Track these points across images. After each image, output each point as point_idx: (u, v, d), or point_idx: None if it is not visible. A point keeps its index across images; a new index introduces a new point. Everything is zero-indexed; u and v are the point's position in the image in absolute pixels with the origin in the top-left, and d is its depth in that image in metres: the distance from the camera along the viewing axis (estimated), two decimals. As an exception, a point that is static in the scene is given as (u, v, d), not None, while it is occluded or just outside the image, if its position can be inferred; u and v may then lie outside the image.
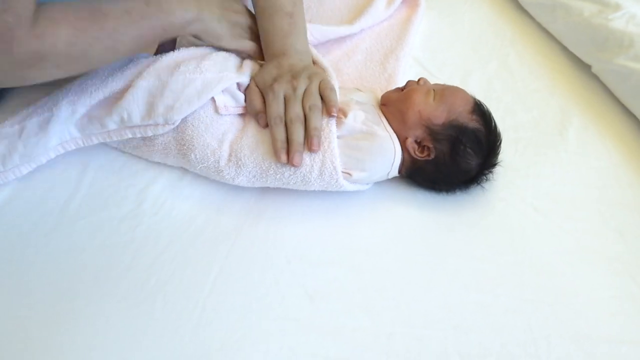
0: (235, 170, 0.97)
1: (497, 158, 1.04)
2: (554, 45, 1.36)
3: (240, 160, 0.96)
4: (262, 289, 0.91)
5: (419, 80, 1.07)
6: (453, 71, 1.29)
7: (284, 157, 0.93)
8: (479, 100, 1.05)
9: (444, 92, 1.03)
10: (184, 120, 0.98)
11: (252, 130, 0.98)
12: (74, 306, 0.88)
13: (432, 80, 1.24)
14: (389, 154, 0.99)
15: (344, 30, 1.28)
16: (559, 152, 1.14)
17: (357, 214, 1.00)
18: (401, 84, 1.22)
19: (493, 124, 1.03)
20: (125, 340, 0.84)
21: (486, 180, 1.05)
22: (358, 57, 1.27)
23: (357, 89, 1.12)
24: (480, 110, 1.02)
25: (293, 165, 0.93)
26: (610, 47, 1.21)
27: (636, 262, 0.98)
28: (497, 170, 1.04)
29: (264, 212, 0.99)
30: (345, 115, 0.98)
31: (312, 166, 0.95)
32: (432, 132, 0.99)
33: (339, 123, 0.97)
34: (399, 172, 1.02)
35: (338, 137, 0.96)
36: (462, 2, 1.47)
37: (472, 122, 1.00)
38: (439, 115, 1.00)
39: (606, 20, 1.24)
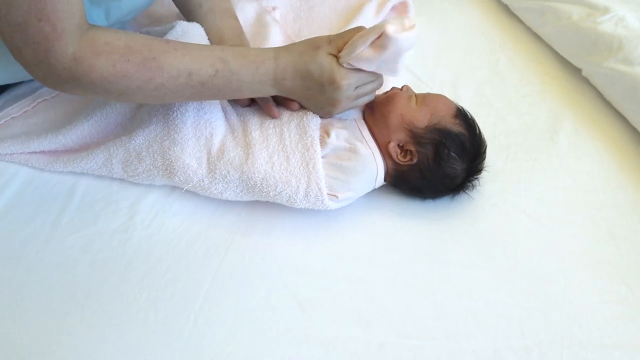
0: (223, 186, 0.97)
1: (482, 163, 1.04)
2: (544, 49, 1.36)
3: (226, 177, 0.96)
4: (254, 301, 0.91)
5: (402, 87, 1.07)
6: (443, 77, 1.29)
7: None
8: (461, 107, 1.05)
9: (426, 96, 1.04)
10: (160, 144, 0.98)
11: (231, 145, 0.98)
12: (67, 322, 0.87)
13: (422, 88, 1.25)
14: (371, 171, 0.98)
15: None
16: (550, 156, 1.14)
17: (347, 223, 1.00)
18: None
19: (477, 129, 1.03)
20: (118, 355, 0.84)
21: (472, 187, 1.05)
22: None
23: None
24: (463, 115, 1.03)
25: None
26: (600, 50, 1.22)
27: (628, 265, 0.98)
28: (489, 176, 1.04)
29: (255, 224, 0.99)
30: (328, 134, 0.98)
31: (298, 187, 0.95)
32: (415, 136, 0.99)
33: (322, 143, 0.97)
34: (385, 180, 1.02)
35: (322, 158, 0.97)
36: (452, 9, 1.47)
37: (456, 126, 1.00)
38: (421, 118, 1.00)
39: (595, 23, 1.24)
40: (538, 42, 1.38)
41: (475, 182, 1.05)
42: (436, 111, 1.00)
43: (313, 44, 0.93)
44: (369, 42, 0.88)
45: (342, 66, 0.91)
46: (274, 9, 1.34)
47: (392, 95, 1.04)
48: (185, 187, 0.99)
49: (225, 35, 1.09)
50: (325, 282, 0.94)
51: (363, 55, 0.90)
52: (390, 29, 0.86)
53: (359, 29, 0.92)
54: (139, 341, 0.86)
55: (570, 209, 1.06)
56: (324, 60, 0.90)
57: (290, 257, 0.96)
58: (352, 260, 0.97)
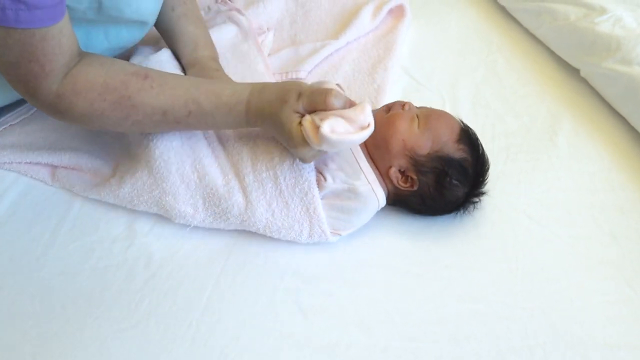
0: (225, 225, 0.97)
1: (484, 186, 1.02)
2: (541, 50, 1.36)
3: (227, 220, 0.96)
4: (256, 307, 0.90)
5: (404, 105, 1.01)
6: (441, 79, 1.29)
7: None
8: (465, 125, 1.02)
9: (428, 118, 0.99)
10: (150, 194, 0.97)
11: (226, 192, 0.95)
12: (67, 330, 0.87)
13: (420, 90, 1.25)
14: (373, 207, 0.97)
15: (329, 48, 1.28)
16: (550, 157, 1.14)
17: (349, 228, 1.00)
18: (390, 94, 1.23)
19: (480, 150, 1.01)
20: (120, 363, 0.84)
21: (473, 208, 1.03)
22: (346, 69, 1.28)
23: None
24: (466, 138, 0.99)
25: None
26: (598, 50, 1.22)
27: (630, 265, 0.98)
28: (489, 177, 1.03)
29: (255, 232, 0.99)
30: (325, 177, 0.94)
31: (301, 231, 0.94)
32: (416, 163, 0.96)
33: (319, 184, 0.94)
34: (386, 202, 1.00)
35: (322, 199, 0.95)
36: (449, 10, 1.47)
37: (458, 152, 0.97)
38: (423, 145, 0.96)
39: (592, 24, 1.24)
40: (535, 43, 1.38)
41: (477, 204, 1.03)
42: (439, 136, 0.97)
43: (282, 96, 0.87)
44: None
45: (301, 129, 0.84)
46: (268, 29, 1.33)
47: (394, 118, 0.99)
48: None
49: (200, 43, 1.09)
50: (326, 288, 0.93)
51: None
52: (326, 129, 0.80)
53: (329, 91, 0.84)
54: (140, 348, 0.85)
55: (571, 209, 1.06)
56: (287, 119, 0.86)
57: (291, 263, 0.96)
58: (353, 264, 0.97)
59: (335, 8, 1.40)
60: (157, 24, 1.10)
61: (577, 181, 1.11)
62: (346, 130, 0.82)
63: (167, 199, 0.96)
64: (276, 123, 0.87)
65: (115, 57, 0.97)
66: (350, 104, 0.85)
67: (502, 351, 0.87)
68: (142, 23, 1.00)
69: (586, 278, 0.96)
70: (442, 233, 1.01)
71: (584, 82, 1.27)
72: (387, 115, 1.00)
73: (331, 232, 0.95)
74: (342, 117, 0.82)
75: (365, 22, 1.34)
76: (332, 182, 0.94)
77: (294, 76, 1.24)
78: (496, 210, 1.05)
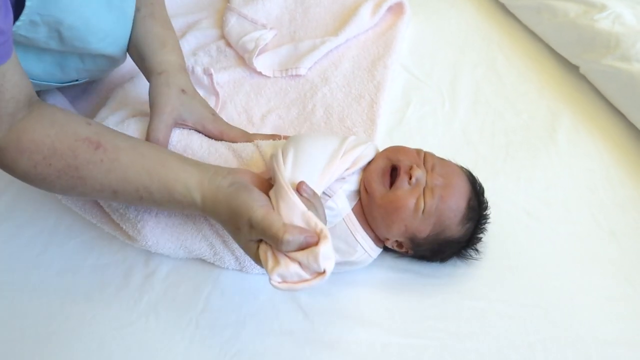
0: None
1: (480, 241, 0.98)
2: (541, 47, 1.36)
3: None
4: (256, 305, 0.90)
5: (410, 176, 0.88)
6: (441, 76, 1.29)
7: None
8: (474, 189, 0.94)
9: (434, 198, 0.88)
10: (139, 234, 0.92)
11: (219, 262, 0.93)
12: (67, 327, 0.87)
13: (420, 87, 1.25)
14: (368, 263, 0.94)
15: (329, 45, 1.28)
16: (550, 154, 1.14)
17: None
18: (389, 92, 1.22)
19: (483, 213, 0.95)
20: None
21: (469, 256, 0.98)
22: (345, 66, 1.27)
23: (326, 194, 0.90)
24: (471, 215, 0.92)
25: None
26: (597, 47, 1.21)
27: (630, 262, 0.98)
28: (488, 174, 1.03)
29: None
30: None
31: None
32: (415, 243, 0.92)
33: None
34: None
35: None
36: (449, 7, 1.46)
37: (459, 232, 0.91)
38: (424, 229, 0.89)
39: (592, 20, 1.24)
40: (535, 40, 1.38)
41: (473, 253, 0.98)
42: (442, 220, 0.89)
43: (234, 222, 0.76)
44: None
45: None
46: (264, 26, 1.33)
47: (398, 202, 0.88)
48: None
49: (168, 45, 0.99)
50: (326, 286, 0.92)
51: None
52: (275, 280, 0.71)
53: (279, 240, 0.70)
54: (140, 345, 0.86)
55: (571, 206, 1.06)
56: (244, 245, 0.77)
57: (291, 260, 0.96)
58: (353, 261, 0.96)
59: (335, 5, 1.39)
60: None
61: (577, 178, 1.11)
62: (299, 277, 0.71)
63: None
64: (235, 237, 0.78)
65: (92, 79, 0.95)
66: (307, 244, 0.71)
67: (502, 348, 0.87)
68: (113, 59, 0.98)
69: (586, 275, 0.97)
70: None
71: (584, 79, 1.27)
72: (390, 194, 0.89)
73: None
74: (296, 260, 0.71)
75: (365, 19, 1.33)
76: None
77: (293, 73, 1.24)
78: (496, 207, 1.03)
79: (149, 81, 0.96)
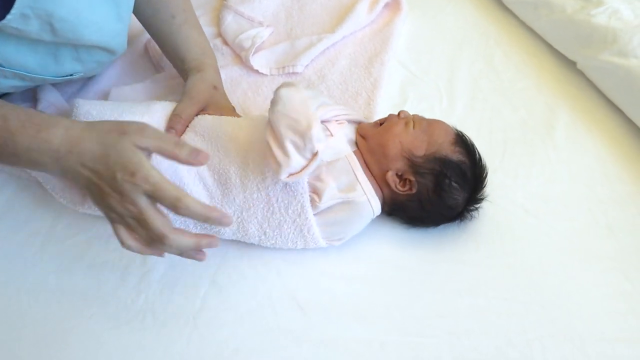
0: (218, 232, 0.95)
1: (483, 192, 1.00)
2: (538, 43, 1.36)
3: (222, 236, 0.95)
4: (254, 302, 0.90)
5: (399, 113, 1.01)
6: (438, 73, 1.28)
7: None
8: (460, 132, 1.01)
9: (423, 121, 0.99)
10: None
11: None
12: (64, 327, 0.87)
13: (417, 83, 1.25)
14: (368, 216, 0.95)
15: (326, 42, 1.28)
16: (547, 150, 1.14)
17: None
18: (386, 88, 1.22)
19: (477, 155, 0.99)
20: (117, 359, 0.84)
21: (471, 217, 1.01)
22: (342, 63, 1.27)
23: (326, 128, 0.96)
24: (462, 142, 0.98)
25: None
26: (595, 43, 1.21)
27: (628, 258, 0.98)
28: (487, 171, 1.03)
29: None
30: (319, 197, 0.90)
31: (296, 246, 0.94)
32: (414, 165, 0.95)
33: (313, 206, 0.91)
34: (382, 210, 0.98)
35: (315, 215, 0.92)
36: (446, 3, 1.46)
37: (456, 154, 0.95)
38: (419, 145, 0.95)
39: (589, 16, 1.23)
40: (532, 36, 1.37)
41: (476, 213, 1.01)
42: (434, 138, 0.96)
43: (119, 129, 0.76)
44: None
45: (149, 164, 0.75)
46: (261, 23, 1.33)
47: (389, 124, 0.99)
48: None
49: (207, 50, 1.12)
50: (324, 282, 0.93)
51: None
52: (282, 174, 0.85)
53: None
54: (137, 344, 0.85)
55: (569, 203, 1.06)
56: (130, 149, 0.75)
57: (288, 258, 0.96)
58: (350, 260, 0.97)
59: (331, 2, 1.39)
60: (156, 33, 1.11)
61: (574, 174, 1.10)
62: (301, 167, 0.87)
63: None
64: (109, 154, 0.75)
65: (88, 74, 1.02)
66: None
67: (500, 346, 0.87)
68: (109, 50, 1.00)
69: (584, 271, 0.96)
70: (440, 227, 1.01)
71: (581, 74, 1.27)
72: (382, 125, 1.00)
73: (326, 244, 0.94)
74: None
75: (362, 15, 1.33)
76: (328, 200, 0.91)
77: (290, 71, 1.24)
78: (493, 204, 1.04)
79: (185, 78, 1.07)
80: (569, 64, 1.29)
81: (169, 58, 1.14)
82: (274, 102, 0.88)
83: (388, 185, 0.95)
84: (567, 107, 1.22)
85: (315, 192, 0.91)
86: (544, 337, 0.88)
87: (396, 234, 1.00)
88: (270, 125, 0.88)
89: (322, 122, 0.95)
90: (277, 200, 0.91)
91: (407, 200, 0.97)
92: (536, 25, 1.36)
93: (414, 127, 0.97)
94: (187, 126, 0.98)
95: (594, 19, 1.22)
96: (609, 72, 1.18)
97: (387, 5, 1.39)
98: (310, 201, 0.91)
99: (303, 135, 0.85)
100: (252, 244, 0.96)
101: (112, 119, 0.92)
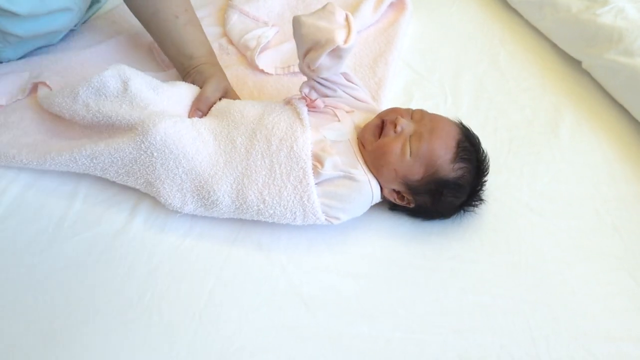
0: (218, 213, 0.97)
1: (482, 194, 1.01)
2: (543, 42, 1.36)
3: (220, 210, 0.96)
4: (259, 299, 0.91)
5: (396, 125, 0.96)
6: (443, 72, 1.29)
7: None
8: (463, 134, 0.98)
9: (421, 140, 0.95)
10: (136, 181, 0.99)
11: (215, 182, 0.94)
12: (71, 322, 0.87)
13: (422, 83, 1.25)
14: (367, 198, 0.96)
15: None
16: (552, 149, 1.14)
17: (351, 220, 0.99)
18: (391, 88, 1.22)
19: (479, 160, 0.98)
20: (123, 356, 0.84)
21: (472, 210, 1.02)
22: (347, 62, 1.27)
23: (334, 114, 1.03)
24: (463, 155, 0.95)
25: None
26: (600, 42, 1.21)
27: (633, 257, 0.98)
28: (491, 170, 1.03)
29: (258, 223, 0.99)
30: (321, 164, 0.93)
31: (295, 218, 0.94)
32: (410, 187, 0.96)
33: (315, 173, 0.93)
34: (382, 198, 1.00)
35: (316, 185, 0.93)
36: (451, 3, 1.46)
37: (454, 172, 0.94)
38: (416, 172, 0.94)
39: (594, 15, 1.24)
40: (537, 36, 1.38)
41: (476, 208, 1.02)
42: (432, 160, 0.94)
43: None
44: (324, 54, 0.90)
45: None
46: (272, 25, 1.33)
47: (384, 147, 0.95)
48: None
49: (209, 50, 1.17)
50: (329, 279, 0.93)
51: (324, 64, 0.93)
52: (340, 39, 0.88)
53: None
54: (144, 341, 0.86)
55: (574, 202, 1.06)
56: None
57: (293, 255, 0.96)
58: (356, 256, 0.97)
59: (336, 1, 1.39)
60: (157, 32, 1.14)
61: (579, 173, 1.10)
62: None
63: (153, 189, 0.97)
64: None
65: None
66: None
67: (505, 344, 0.87)
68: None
69: (589, 270, 0.96)
70: (445, 225, 1.01)
71: (586, 74, 1.27)
72: (377, 142, 0.97)
73: (325, 219, 0.95)
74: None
75: (367, 15, 1.33)
76: (330, 169, 0.93)
77: (296, 70, 1.24)
78: (498, 203, 1.04)
79: (186, 74, 1.13)
80: (574, 63, 1.29)
81: (170, 54, 1.16)
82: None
83: (386, 196, 0.98)
84: (572, 106, 1.22)
85: (318, 160, 0.93)
86: (549, 335, 0.88)
87: (401, 231, 1.00)
88: (300, 34, 0.92)
89: (330, 106, 1.04)
90: (280, 166, 0.94)
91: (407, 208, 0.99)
92: (541, 25, 1.37)
93: (410, 153, 0.94)
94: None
95: (599, 18, 1.23)
96: (614, 72, 1.19)
97: (391, 4, 1.39)
98: (313, 169, 0.93)
99: (327, 14, 0.91)
100: (257, 240, 0.97)
101: (146, 89, 1.02)
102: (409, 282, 0.94)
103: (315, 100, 1.02)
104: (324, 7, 0.93)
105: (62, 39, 1.28)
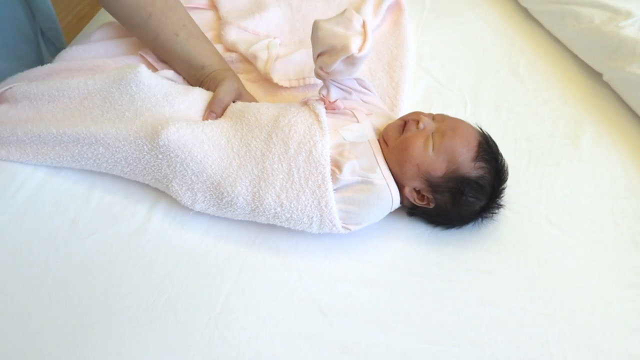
0: (232, 214, 0.97)
1: (501, 199, 1.01)
2: (564, 53, 1.35)
3: (234, 212, 0.96)
4: (275, 305, 0.90)
5: (418, 122, 0.98)
6: (463, 80, 1.28)
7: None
8: (484, 137, 1.00)
9: (444, 137, 0.96)
10: (153, 175, 0.98)
11: (230, 183, 0.94)
12: (84, 323, 0.87)
13: (442, 91, 1.24)
14: (386, 201, 0.95)
15: None
16: (572, 162, 1.13)
17: (369, 228, 0.98)
18: (409, 93, 1.22)
19: (499, 164, 0.99)
20: (137, 357, 0.84)
21: (490, 219, 1.02)
22: (362, 68, 1.25)
23: (353, 115, 1.03)
24: (484, 155, 0.96)
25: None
26: (622, 55, 1.20)
27: (653, 274, 0.97)
28: (510, 181, 1.02)
29: (276, 228, 0.98)
30: (340, 169, 0.93)
31: (311, 224, 0.93)
32: (432, 185, 0.95)
33: (333, 178, 0.92)
34: (401, 203, 0.99)
35: (335, 191, 0.93)
36: (471, 11, 1.46)
37: (475, 171, 0.95)
38: (437, 167, 0.95)
39: (617, 27, 1.22)
40: (558, 46, 1.37)
41: (495, 216, 1.02)
42: (454, 157, 0.94)
43: None
44: (339, 60, 0.92)
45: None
46: (274, 38, 1.29)
47: (407, 142, 0.96)
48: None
49: (219, 57, 1.17)
50: (346, 288, 0.93)
51: (338, 69, 0.94)
52: (355, 47, 0.89)
53: None
54: (158, 344, 0.85)
55: (593, 215, 1.05)
56: None
57: (311, 263, 0.95)
58: (373, 265, 0.96)
59: (331, 11, 1.38)
60: (163, 53, 1.15)
61: (599, 186, 1.09)
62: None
63: (170, 186, 0.97)
64: None
65: None
66: None
67: (522, 357, 0.87)
68: None
69: (608, 285, 0.95)
70: (463, 236, 1.00)
71: (607, 86, 1.26)
72: (400, 137, 0.98)
73: (342, 226, 0.94)
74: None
75: (368, 20, 1.32)
76: (349, 175, 0.93)
77: (312, 82, 1.21)
78: (517, 214, 1.03)
79: (198, 82, 1.13)
80: (595, 75, 1.28)
81: (179, 68, 1.16)
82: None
83: (406, 197, 0.98)
84: (593, 118, 1.21)
85: (337, 165, 0.93)
86: (567, 350, 0.87)
87: (419, 241, 1.00)
88: (316, 36, 0.94)
89: (349, 108, 1.04)
90: (298, 170, 0.93)
91: (425, 208, 0.98)
92: (562, 35, 1.36)
93: (433, 147, 0.95)
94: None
95: (622, 30, 1.21)
96: (636, 85, 1.18)
97: (389, 8, 1.38)
98: (331, 174, 0.92)
99: (345, 20, 0.92)
100: (274, 246, 0.96)
101: (160, 90, 1.03)
102: (426, 293, 0.93)
103: (335, 101, 1.01)
104: (342, 13, 0.94)
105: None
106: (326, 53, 0.93)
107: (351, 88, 1.06)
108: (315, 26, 0.94)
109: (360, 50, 0.89)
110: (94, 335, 0.86)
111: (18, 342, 0.85)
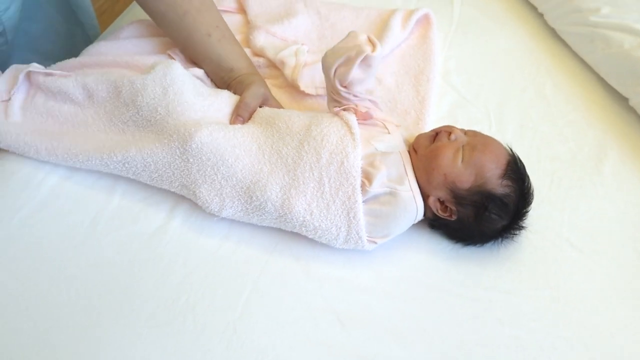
0: (258, 220, 0.97)
1: (524, 220, 1.00)
2: (590, 75, 1.34)
3: (261, 217, 0.96)
4: (294, 313, 0.90)
5: (450, 133, 1.00)
6: (488, 98, 1.27)
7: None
8: (513, 157, 1.00)
9: (474, 151, 0.97)
10: (180, 181, 0.98)
11: (260, 188, 0.94)
12: (101, 320, 0.87)
13: (467, 107, 1.24)
14: (411, 215, 0.95)
15: None
16: (595, 185, 1.12)
17: (390, 241, 0.98)
18: (435, 108, 1.21)
19: (526, 185, 0.98)
20: (155, 358, 0.84)
21: (511, 239, 1.01)
22: (389, 81, 1.26)
23: (384, 126, 1.04)
24: (512, 174, 0.96)
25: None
26: (651, 81, 1.19)
27: (674, 302, 0.96)
28: (533, 202, 1.01)
29: (297, 236, 0.98)
30: (370, 182, 0.93)
31: (338, 235, 0.93)
32: (456, 196, 0.95)
33: (363, 191, 0.93)
34: (425, 215, 0.99)
35: (363, 202, 0.93)
36: (499, 28, 1.45)
37: (501, 188, 0.95)
38: (465, 180, 0.95)
39: (648, 53, 1.22)
40: (584, 68, 1.36)
41: (515, 237, 1.01)
42: (482, 171, 0.95)
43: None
44: (356, 64, 0.94)
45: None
46: (302, 45, 1.29)
47: (438, 151, 0.97)
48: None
49: (248, 61, 1.18)
50: (366, 299, 0.92)
51: (356, 77, 0.96)
52: (368, 48, 0.93)
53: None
54: (176, 346, 0.85)
55: (614, 240, 1.04)
56: None
57: (331, 272, 0.95)
58: (393, 278, 0.96)
59: (359, 20, 1.37)
60: (193, 51, 1.15)
61: (622, 212, 1.09)
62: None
63: (189, 192, 0.97)
64: None
65: None
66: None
67: (540, 380, 0.86)
68: None
69: (628, 314, 0.95)
70: (484, 255, 1.00)
71: (633, 111, 1.25)
72: (431, 146, 0.99)
73: (367, 239, 0.94)
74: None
75: (396, 32, 1.31)
76: (378, 187, 0.93)
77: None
78: (539, 235, 1.03)
79: (226, 85, 1.13)
80: (621, 100, 1.28)
81: (208, 69, 1.16)
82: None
83: (429, 207, 0.97)
84: (617, 143, 1.21)
85: (367, 177, 0.93)
86: (586, 376, 0.87)
87: (440, 257, 0.99)
88: (330, 56, 0.98)
89: (380, 120, 1.05)
90: (329, 180, 0.93)
91: (447, 220, 0.98)
92: (590, 58, 1.35)
93: (463, 159, 0.96)
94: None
95: (652, 56, 1.21)
96: (663, 112, 1.17)
97: (418, 21, 1.38)
98: (361, 186, 0.92)
99: (350, 37, 0.97)
100: (295, 253, 0.96)
101: (188, 94, 1.02)
102: (445, 309, 0.93)
103: (366, 111, 1.01)
104: (347, 35, 0.98)
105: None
106: (342, 65, 0.95)
107: (367, 108, 1.05)
108: (325, 54, 0.99)
109: (373, 51, 0.93)
110: (110, 333, 0.86)
111: (32, 336, 0.85)
